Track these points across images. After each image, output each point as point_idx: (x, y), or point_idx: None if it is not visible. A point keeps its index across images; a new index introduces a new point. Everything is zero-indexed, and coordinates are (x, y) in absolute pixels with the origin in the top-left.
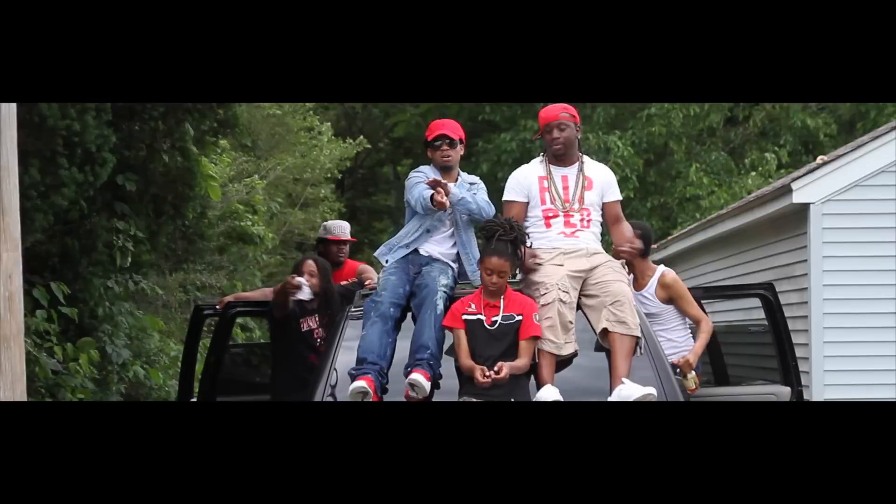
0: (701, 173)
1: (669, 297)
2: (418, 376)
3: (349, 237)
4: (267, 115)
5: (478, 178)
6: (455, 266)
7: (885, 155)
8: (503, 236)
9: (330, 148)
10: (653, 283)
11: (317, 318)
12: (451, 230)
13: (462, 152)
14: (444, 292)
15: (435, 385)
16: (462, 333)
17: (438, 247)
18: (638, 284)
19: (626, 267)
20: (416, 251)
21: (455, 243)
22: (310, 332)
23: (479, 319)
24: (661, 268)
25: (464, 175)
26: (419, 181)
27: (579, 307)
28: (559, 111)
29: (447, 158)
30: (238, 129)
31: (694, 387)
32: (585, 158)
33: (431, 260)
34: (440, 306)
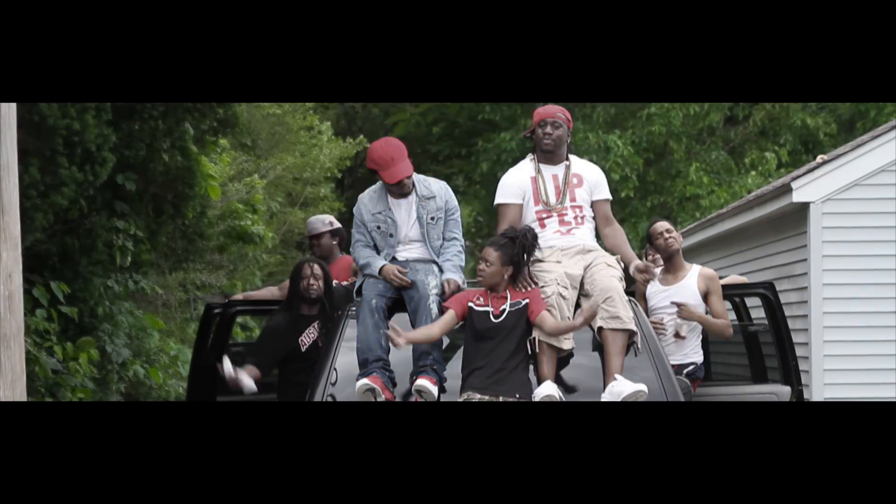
0: (701, 173)
1: (707, 289)
2: (425, 382)
3: (319, 230)
4: (267, 114)
5: (439, 187)
6: (437, 261)
7: (884, 154)
8: (506, 234)
9: (330, 147)
10: (693, 274)
11: (316, 326)
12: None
13: None
14: (437, 295)
15: (441, 389)
16: (451, 314)
17: (413, 251)
18: (674, 278)
19: (615, 264)
20: (392, 257)
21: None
22: (313, 345)
23: (486, 311)
24: (698, 265)
25: (421, 185)
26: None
27: (577, 307)
28: (556, 110)
29: (406, 189)
30: (238, 128)
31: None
32: (574, 159)
33: (409, 261)
34: (434, 310)
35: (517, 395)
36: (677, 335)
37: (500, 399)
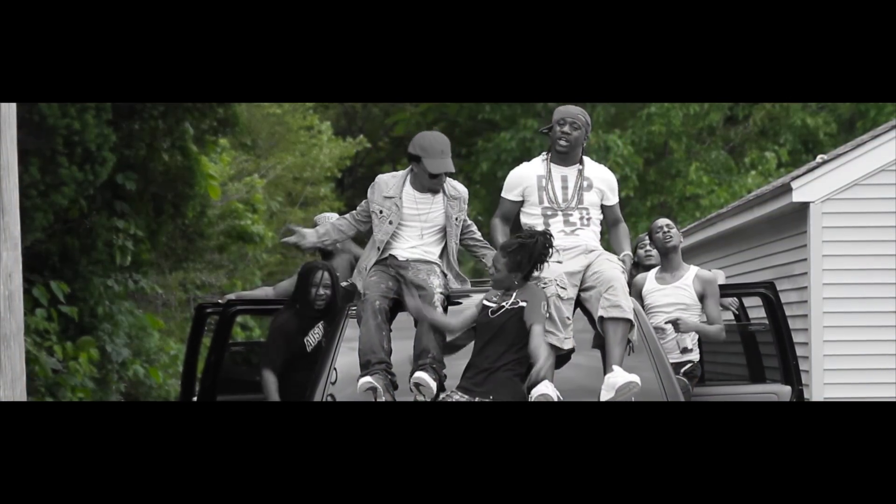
0: (701, 172)
1: (704, 292)
2: (423, 375)
3: None
4: (267, 114)
5: (463, 190)
6: (439, 263)
7: (884, 154)
8: (520, 236)
9: (330, 147)
10: (690, 274)
11: (321, 326)
12: (440, 237)
13: None
14: (440, 293)
15: (441, 388)
16: (473, 311)
17: (416, 250)
18: (671, 277)
19: (624, 263)
20: (391, 255)
21: (439, 248)
22: (318, 345)
23: (488, 306)
24: (696, 267)
25: (448, 185)
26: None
27: (579, 304)
28: (577, 112)
29: (438, 186)
30: (238, 128)
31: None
32: (587, 161)
33: (410, 262)
34: (438, 309)
35: (490, 397)
36: (684, 350)
37: (476, 400)
